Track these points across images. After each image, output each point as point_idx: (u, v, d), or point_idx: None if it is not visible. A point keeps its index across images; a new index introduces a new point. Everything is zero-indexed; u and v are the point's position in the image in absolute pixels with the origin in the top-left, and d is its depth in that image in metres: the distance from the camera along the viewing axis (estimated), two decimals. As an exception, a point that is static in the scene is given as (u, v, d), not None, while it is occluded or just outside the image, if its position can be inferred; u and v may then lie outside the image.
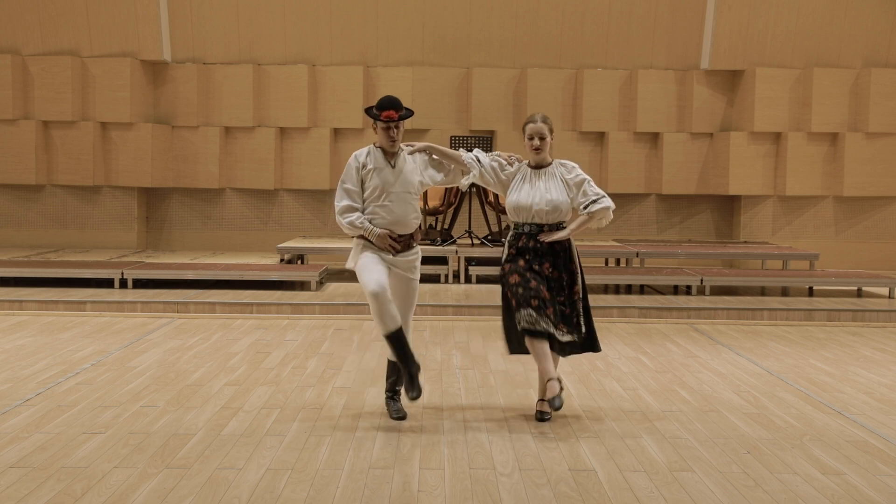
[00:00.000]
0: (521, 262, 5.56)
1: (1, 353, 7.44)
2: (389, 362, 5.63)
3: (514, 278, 5.53)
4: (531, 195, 5.57)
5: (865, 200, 13.67)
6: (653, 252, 11.70)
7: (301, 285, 10.56)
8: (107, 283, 10.41)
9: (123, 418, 5.53)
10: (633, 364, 7.36)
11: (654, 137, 13.87)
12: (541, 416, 5.59)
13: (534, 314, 5.40)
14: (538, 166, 5.68)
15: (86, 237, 13.53)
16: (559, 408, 5.35)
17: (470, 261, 11.49)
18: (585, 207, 5.61)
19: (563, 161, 5.72)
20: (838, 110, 13.39)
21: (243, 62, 13.59)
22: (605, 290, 10.98)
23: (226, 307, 9.50)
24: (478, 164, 5.66)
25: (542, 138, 5.60)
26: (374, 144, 5.56)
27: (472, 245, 11.76)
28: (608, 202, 5.62)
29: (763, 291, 10.93)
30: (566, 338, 5.55)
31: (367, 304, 8.73)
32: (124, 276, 10.35)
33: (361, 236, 5.51)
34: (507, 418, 5.65)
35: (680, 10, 13.58)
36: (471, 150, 5.74)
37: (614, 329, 9.00)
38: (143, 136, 13.27)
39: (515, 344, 5.73)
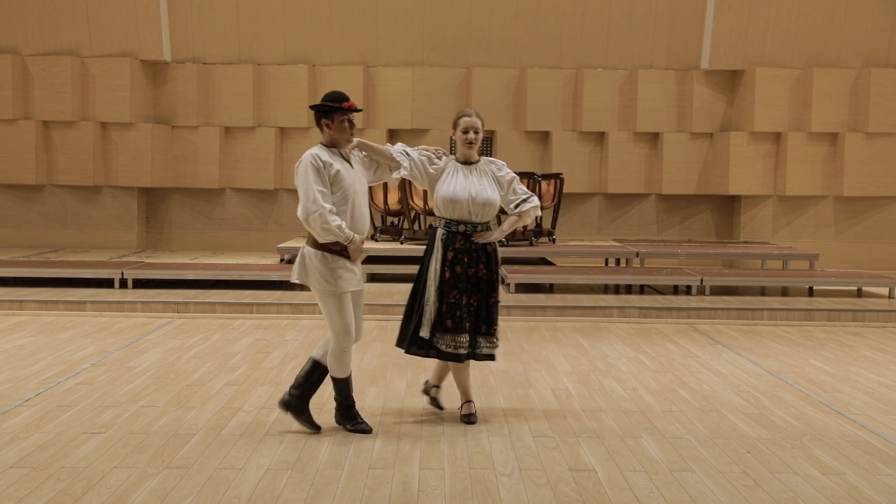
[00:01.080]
0: (458, 269, 5.38)
1: (1, 353, 7.44)
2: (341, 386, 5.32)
3: (454, 295, 5.35)
4: (466, 189, 5.39)
5: (865, 200, 13.67)
6: (653, 252, 11.70)
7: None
8: (107, 283, 10.41)
9: (123, 418, 5.53)
10: (633, 364, 7.36)
11: (654, 137, 13.87)
12: (468, 419, 5.55)
13: (465, 341, 5.36)
14: (467, 162, 5.53)
15: (86, 237, 13.54)
16: (475, 423, 5.53)
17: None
18: (517, 206, 5.53)
19: (491, 158, 5.63)
20: (838, 110, 13.39)
21: (243, 62, 13.59)
22: (605, 290, 10.98)
23: (226, 307, 9.50)
24: (407, 158, 5.42)
25: (476, 132, 5.48)
26: (322, 144, 5.20)
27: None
28: (536, 201, 5.57)
29: (763, 291, 10.93)
30: (485, 350, 5.50)
31: (363, 304, 8.66)
32: (124, 276, 10.35)
33: (326, 247, 5.07)
34: (507, 418, 5.64)
35: (680, 10, 13.58)
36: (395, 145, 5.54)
37: (614, 329, 9.00)
38: (143, 136, 13.28)
39: (413, 345, 5.52)
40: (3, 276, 10.49)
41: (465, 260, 5.41)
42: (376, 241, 12.25)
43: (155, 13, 13.21)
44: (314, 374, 5.33)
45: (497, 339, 5.53)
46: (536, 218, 12.16)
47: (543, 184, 11.87)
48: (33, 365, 6.97)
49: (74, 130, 13.25)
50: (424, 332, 5.39)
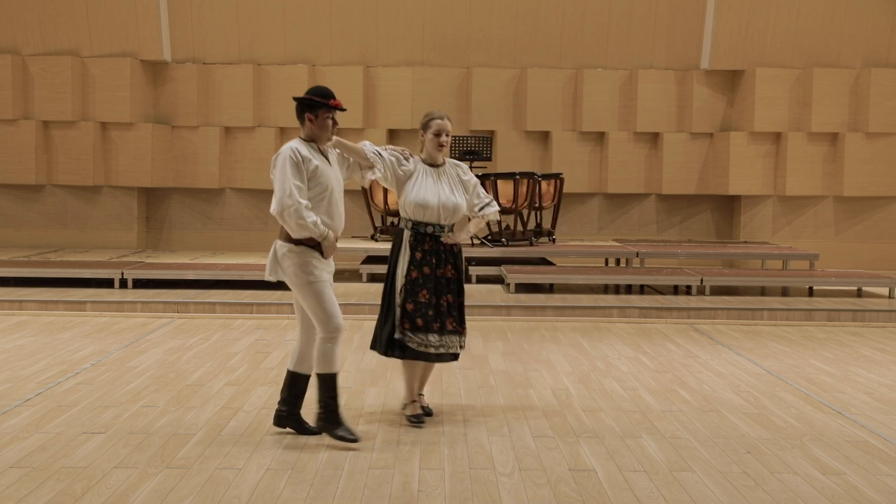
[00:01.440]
0: (427, 270, 5.38)
1: (1, 353, 7.44)
2: (328, 386, 5.14)
3: (423, 295, 5.36)
4: (436, 193, 5.41)
5: (865, 200, 13.67)
6: (653, 252, 11.70)
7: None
8: (107, 283, 10.41)
9: (123, 418, 5.53)
10: (633, 364, 7.36)
11: (654, 137, 13.87)
12: (417, 419, 5.51)
13: (434, 340, 5.37)
14: (433, 164, 5.55)
15: (86, 237, 13.53)
16: (431, 414, 5.61)
17: (470, 261, 11.49)
18: (481, 210, 5.61)
19: (455, 161, 5.65)
20: (838, 110, 13.39)
21: (243, 62, 13.59)
22: (605, 290, 10.98)
23: (226, 307, 9.50)
24: (380, 160, 5.38)
25: (447, 135, 5.49)
26: (301, 138, 5.15)
27: (472, 245, 11.76)
28: (496, 205, 5.70)
29: (763, 291, 10.93)
30: (452, 350, 5.51)
31: (364, 305, 8.71)
32: (124, 276, 10.35)
33: (300, 242, 5.00)
34: (507, 418, 5.64)
35: (680, 10, 13.58)
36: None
37: (614, 329, 9.00)
38: (143, 136, 13.28)
39: (390, 349, 5.50)
40: (3, 276, 10.49)
41: (434, 261, 5.44)
42: (376, 240, 12.25)
43: (155, 13, 13.21)
44: (297, 384, 5.24)
45: (465, 338, 5.57)
46: (537, 217, 12.18)
47: (543, 184, 11.87)
48: (33, 365, 6.97)
49: (74, 130, 13.25)
50: (397, 333, 5.41)
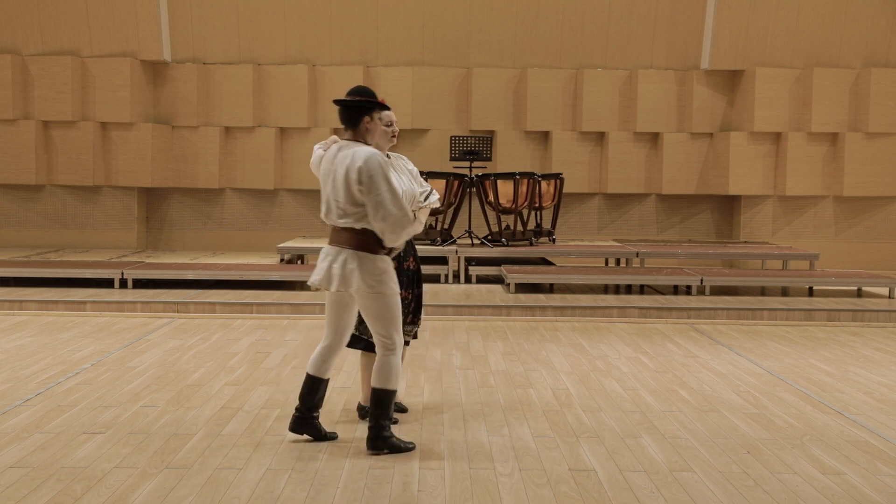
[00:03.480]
0: (395, 263, 5.24)
1: (1, 353, 7.44)
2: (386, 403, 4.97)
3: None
4: (399, 184, 5.20)
5: (865, 200, 13.67)
6: (653, 252, 11.70)
7: (301, 285, 10.55)
8: (107, 283, 10.41)
9: (123, 418, 5.53)
10: (633, 364, 7.36)
11: (654, 137, 13.87)
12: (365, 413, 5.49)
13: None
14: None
15: (86, 237, 13.54)
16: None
17: (470, 261, 11.50)
18: (426, 199, 5.51)
19: (398, 154, 5.56)
20: (838, 110, 13.39)
21: (243, 62, 13.59)
22: (605, 290, 10.98)
23: (226, 307, 9.50)
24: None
25: (396, 126, 5.39)
26: (359, 141, 4.93)
27: (472, 245, 11.76)
28: (437, 194, 5.59)
29: (763, 291, 10.93)
30: (408, 339, 5.55)
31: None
32: (124, 276, 10.35)
33: (381, 250, 4.86)
34: (507, 418, 5.64)
35: (680, 10, 13.58)
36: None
37: (614, 329, 9.00)
38: (143, 136, 13.28)
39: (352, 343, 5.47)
40: (3, 276, 10.49)
41: (401, 254, 5.41)
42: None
43: (155, 13, 13.21)
44: (319, 388, 5.09)
45: (418, 329, 5.59)
46: (537, 217, 12.18)
47: (543, 184, 11.87)
48: (33, 365, 6.97)
49: (74, 130, 13.25)
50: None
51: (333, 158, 4.93)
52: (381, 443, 4.87)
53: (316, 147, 5.18)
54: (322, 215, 5.00)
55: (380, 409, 4.89)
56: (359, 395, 6.14)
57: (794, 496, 4.34)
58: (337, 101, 5.05)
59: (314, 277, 4.93)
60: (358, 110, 4.94)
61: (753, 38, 13.45)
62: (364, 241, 4.83)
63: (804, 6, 13.37)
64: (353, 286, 4.82)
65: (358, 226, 4.82)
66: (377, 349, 4.94)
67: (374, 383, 4.89)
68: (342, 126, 5.03)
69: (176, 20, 13.46)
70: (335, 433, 5.17)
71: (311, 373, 5.09)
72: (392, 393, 4.92)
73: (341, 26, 13.62)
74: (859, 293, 10.74)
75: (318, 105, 13.65)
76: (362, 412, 5.56)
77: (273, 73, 13.60)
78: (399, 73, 13.67)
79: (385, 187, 4.73)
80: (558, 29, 13.67)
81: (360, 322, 5.32)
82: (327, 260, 4.90)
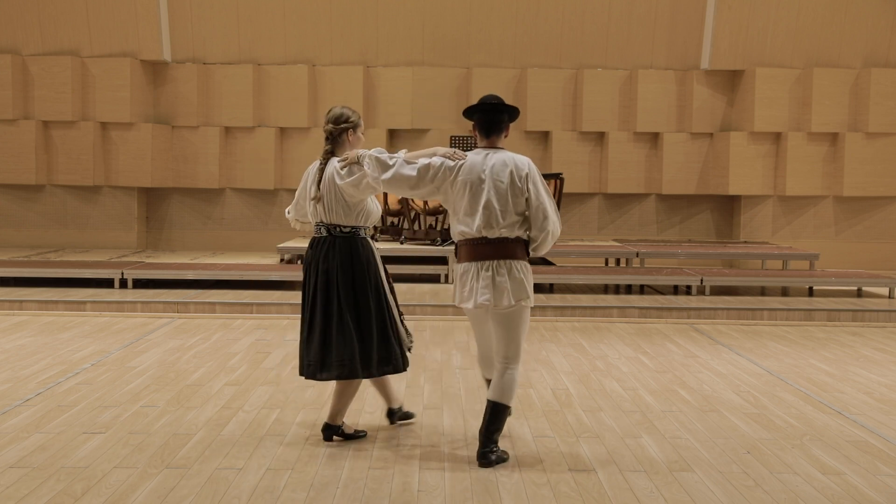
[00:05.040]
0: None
1: (1, 353, 7.44)
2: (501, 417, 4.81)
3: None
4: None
5: (865, 200, 13.67)
6: (653, 252, 11.70)
7: (301, 285, 10.53)
8: (107, 283, 10.41)
9: (123, 418, 5.53)
10: (633, 364, 7.36)
11: (654, 137, 13.87)
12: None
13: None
14: None
15: (86, 237, 13.54)
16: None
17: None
18: None
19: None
20: (838, 110, 13.39)
21: (243, 62, 13.59)
22: (605, 290, 10.98)
23: (226, 307, 9.50)
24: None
25: None
26: (501, 148, 4.86)
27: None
28: None
29: (763, 291, 10.93)
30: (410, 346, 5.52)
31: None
32: (124, 276, 10.35)
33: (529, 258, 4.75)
34: (508, 418, 5.63)
35: (680, 10, 13.58)
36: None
37: (614, 329, 9.00)
38: (143, 136, 13.28)
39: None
40: (3, 276, 10.49)
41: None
42: (376, 241, 12.24)
43: (155, 13, 13.22)
44: (502, 414, 4.79)
45: None
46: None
47: (543, 184, 11.84)
48: (33, 365, 6.97)
49: (74, 130, 13.25)
50: (409, 343, 5.30)
51: (482, 166, 4.72)
52: (494, 456, 4.71)
53: (401, 154, 4.88)
54: (473, 229, 4.66)
55: (497, 423, 4.73)
56: (360, 396, 6.14)
57: (794, 496, 4.34)
58: (504, 105, 4.90)
59: (480, 298, 4.63)
60: (510, 119, 4.91)
61: (753, 38, 13.45)
62: (520, 251, 4.69)
63: (804, 6, 13.37)
64: (516, 297, 4.63)
65: (513, 235, 4.67)
66: (498, 363, 4.76)
67: (494, 397, 4.73)
68: (478, 132, 4.85)
69: (176, 20, 13.46)
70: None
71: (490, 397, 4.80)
72: (509, 407, 4.79)
73: (341, 26, 13.62)
74: (859, 293, 10.74)
75: (318, 105, 13.65)
76: (329, 432, 5.13)
77: (273, 73, 13.60)
78: (399, 73, 13.67)
79: (548, 197, 4.67)
80: (558, 29, 13.67)
81: (343, 346, 4.96)
82: (487, 276, 4.63)
